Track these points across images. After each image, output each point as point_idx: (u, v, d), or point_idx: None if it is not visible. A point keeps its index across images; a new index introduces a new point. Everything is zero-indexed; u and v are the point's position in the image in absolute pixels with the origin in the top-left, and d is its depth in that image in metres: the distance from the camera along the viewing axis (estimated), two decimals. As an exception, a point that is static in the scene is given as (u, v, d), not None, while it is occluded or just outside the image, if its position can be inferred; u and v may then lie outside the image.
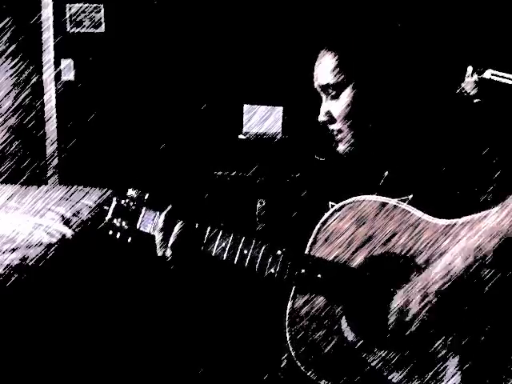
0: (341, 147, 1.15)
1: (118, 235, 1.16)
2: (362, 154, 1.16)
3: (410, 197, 1.05)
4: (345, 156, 1.15)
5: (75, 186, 2.73)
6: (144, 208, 1.15)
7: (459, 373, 0.94)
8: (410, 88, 1.14)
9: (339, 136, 1.14)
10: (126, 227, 1.15)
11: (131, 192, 1.16)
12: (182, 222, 1.09)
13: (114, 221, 1.16)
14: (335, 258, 1.02)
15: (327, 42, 1.13)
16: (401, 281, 0.99)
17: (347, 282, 1.00)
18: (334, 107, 1.12)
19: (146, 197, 1.16)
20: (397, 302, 0.97)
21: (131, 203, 1.16)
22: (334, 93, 1.11)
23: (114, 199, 1.17)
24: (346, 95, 1.10)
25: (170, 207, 1.12)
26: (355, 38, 1.12)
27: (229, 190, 2.89)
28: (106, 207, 1.17)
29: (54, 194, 2.59)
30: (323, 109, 1.14)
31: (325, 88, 1.12)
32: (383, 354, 0.98)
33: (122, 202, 1.16)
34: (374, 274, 1.00)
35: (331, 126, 1.14)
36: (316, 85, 1.16)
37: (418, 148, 1.12)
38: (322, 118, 1.15)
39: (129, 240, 1.15)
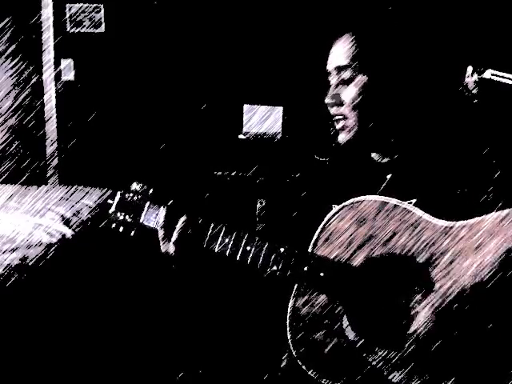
0: (341, 136, 1.13)
1: (120, 229, 1.16)
2: (361, 148, 1.15)
3: (414, 201, 1.04)
4: (343, 146, 1.14)
5: (75, 186, 2.73)
6: (148, 202, 1.15)
7: (459, 373, 0.94)
8: (414, 87, 1.14)
9: (342, 123, 1.12)
10: (129, 221, 1.16)
11: (135, 186, 1.17)
12: (184, 217, 1.09)
13: (118, 214, 1.17)
14: (336, 258, 1.02)
15: (350, 27, 1.12)
16: (402, 281, 0.99)
17: (349, 281, 1.00)
18: (346, 91, 1.11)
19: (151, 191, 1.16)
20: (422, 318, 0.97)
21: (135, 197, 1.16)
22: (347, 76, 1.10)
23: (119, 193, 1.17)
24: (359, 81, 1.09)
25: (170, 202, 1.12)
26: (376, 27, 1.12)
27: (229, 189, 2.89)
28: (110, 201, 1.17)
29: (53, 194, 2.59)
30: (332, 91, 1.13)
31: (339, 70, 1.11)
32: (384, 354, 0.98)
33: (126, 195, 1.17)
34: (374, 273, 1.00)
35: (338, 110, 1.12)
36: (330, 67, 1.14)
37: (421, 150, 1.12)
38: (328, 100, 1.13)
39: (132, 234, 1.16)
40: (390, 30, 1.13)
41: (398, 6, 1.19)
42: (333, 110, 1.14)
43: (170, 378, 2.01)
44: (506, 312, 0.92)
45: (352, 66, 1.09)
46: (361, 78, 1.09)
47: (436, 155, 1.09)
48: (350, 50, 1.10)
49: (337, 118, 1.13)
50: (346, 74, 1.10)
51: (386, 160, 1.15)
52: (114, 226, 1.17)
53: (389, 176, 1.12)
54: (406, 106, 1.13)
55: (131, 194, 1.16)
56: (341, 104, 1.11)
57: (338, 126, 1.14)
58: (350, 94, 1.10)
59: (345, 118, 1.12)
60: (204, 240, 1.08)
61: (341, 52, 1.11)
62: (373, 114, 1.11)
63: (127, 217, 1.16)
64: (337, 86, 1.12)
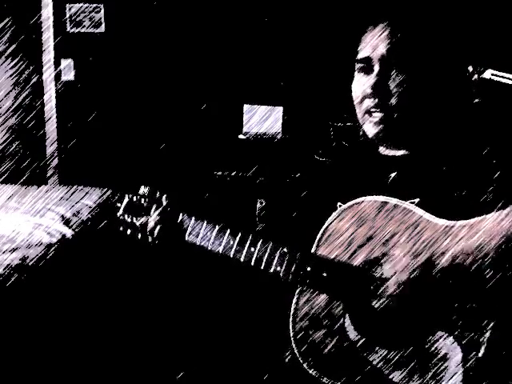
0: (372, 129, 1.10)
1: (128, 231, 1.17)
2: (379, 143, 1.15)
3: (417, 200, 1.03)
4: (373, 139, 1.12)
5: (75, 186, 2.73)
6: (155, 205, 1.16)
7: (460, 372, 0.94)
8: (427, 83, 1.13)
9: (380, 115, 1.08)
10: (137, 224, 1.17)
11: (143, 189, 1.18)
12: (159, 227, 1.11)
13: (125, 217, 1.17)
14: (337, 258, 1.02)
15: (388, 18, 1.10)
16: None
17: (351, 280, 1.00)
18: (395, 81, 1.07)
19: (158, 194, 1.17)
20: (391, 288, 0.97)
21: (143, 200, 1.17)
22: (395, 66, 1.06)
23: (126, 196, 1.19)
24: (407, 72, 1.07)
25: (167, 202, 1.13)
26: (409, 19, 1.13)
27: (229, 190, 2.89)
28: (118, 204, 1.18)
29: (53, 194, 2.59)
30: (375, 80, 1.07)
31: (389, 58, 1.06)
32: (385, 353, 0.98)
33: (134, 198, 1.18)
34: (374, 273, 1.00)
35: (376, 101, 1.08)
36: (375, 54, 1.08)
37: (427, 148, 1.11)
38: (369, 89, 1.07)
39: (139, 236, 1.17)
40: (418, 22, 1.13)
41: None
42: (369, 102, 1.09)
43: (170, 378, 2.01)
44: (506, 311, 0.93)
45: (400, 56, 1.07)
46: (408, 69, 1.07)
47: (440, 154, 1.09)
48: (400, 40, 1.07)
49: (373, 110, 1.09)
50: (394, 64, 1.07)
51: (392, 153, 1.14)
52: (121, 228, 1.18)
53: (393, 174, 1.12)
54: (423, 100, 1.12)
55: (139, 197, 1.17)
56: (385, 95, 1.07)
57: (373, 118, 1.09)
58: (399, 84, 1.07)
59: (384, 109, 1.08)
60: (184, 238, 1.11)
61: (386, 40, 1.07)
62: (411, 106, 1.09)
63: (135, 219, 1.17)
64: (381, 75, 1.07)
